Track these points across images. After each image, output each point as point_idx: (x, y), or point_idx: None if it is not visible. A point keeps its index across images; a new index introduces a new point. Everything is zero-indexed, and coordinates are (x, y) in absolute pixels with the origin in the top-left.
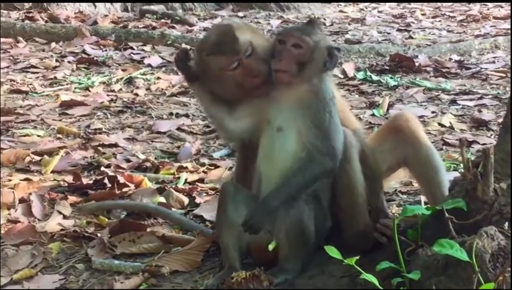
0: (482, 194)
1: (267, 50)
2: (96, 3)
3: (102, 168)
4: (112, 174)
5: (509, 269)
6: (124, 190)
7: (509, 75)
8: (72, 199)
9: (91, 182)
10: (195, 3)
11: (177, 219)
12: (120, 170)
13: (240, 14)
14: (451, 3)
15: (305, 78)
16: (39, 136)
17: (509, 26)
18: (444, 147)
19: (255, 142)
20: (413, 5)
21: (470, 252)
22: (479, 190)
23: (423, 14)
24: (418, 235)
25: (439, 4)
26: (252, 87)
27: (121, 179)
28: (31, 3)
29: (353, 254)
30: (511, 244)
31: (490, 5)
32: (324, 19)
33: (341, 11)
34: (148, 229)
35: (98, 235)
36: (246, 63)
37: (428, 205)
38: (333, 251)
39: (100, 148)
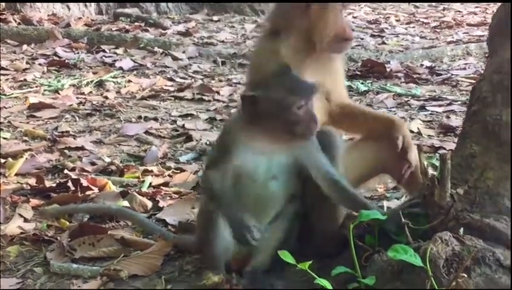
0: (439, 199)
1: None
2: (70, 6)
3: (66, 171)
4: (76, 177)
5: (463, 274)
6: (88, 193)
7: None
8: (35, 202)
9: (54, 185)
10: (170, 7)
11: (139, 221)
12: (85, 173)
13: (215, 18)
14: (426, 10)
15: None
16: (4, 138)
17: (482, 33)
18: None
19: None
20: (388, 10)
21: (424, 257)
22: (436, 195)
23: (397, 20)
24: (376, 240)
25: (414, 10)
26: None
27: (84, 182)
28: (3, 5)
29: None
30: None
31: (464, 11)
32: None
33: None
34: (109, 233)
35: (58, 238)
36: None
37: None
38: (286, 256)
39: (66, 151)
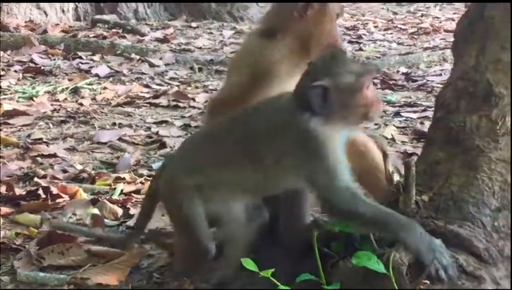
0: (404, 206)
1: None
2: (48, 13)
3: (36, 179)
4: (46, 185)
5: (425, 281)
6: (58, 201)
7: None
8: (5, 210)
9: (25, 193)
10: (148, 13)
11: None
12: (56, 181)
13: (193, 24)
14: (404, 16)
15: None
16: None
17: None
18: None
19: None
20: (366, 17)
21: (387, 264)
22: (401, 202)
23: (375, 27)
24: (342, 247)
25: (392, 16)
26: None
27: (54, 190)
28: None
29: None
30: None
31: (442, 17)
32: None
33: None
34: (78, 241)
35: (26, 247)
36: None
37: None
38: (249, 263)
39: (38, 158)
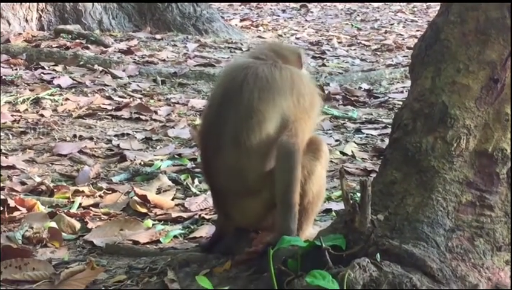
0: (359, 225)
1: None
2: (11, 22)
3: None
4: (4, 197)
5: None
6: (15, 213)
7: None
8: None
9: None
10: (113, 24)
11: None
12: (14, 193)
13: (158, 36)
14: (368, 32)
15: None
16: None
17: None
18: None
19: None
20: (331, 32)
21: (342, 283)
22: (357, 221)
23: (339, 42)
24: (298, 264)
25: (356, 32)
26: None
27: (12, 203)
28: None
29: None
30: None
31: (405, 35)
32: (241, 44)
33: (259, 37)
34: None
35: None
36: None
37: None
38: (204, 281)
39: None
